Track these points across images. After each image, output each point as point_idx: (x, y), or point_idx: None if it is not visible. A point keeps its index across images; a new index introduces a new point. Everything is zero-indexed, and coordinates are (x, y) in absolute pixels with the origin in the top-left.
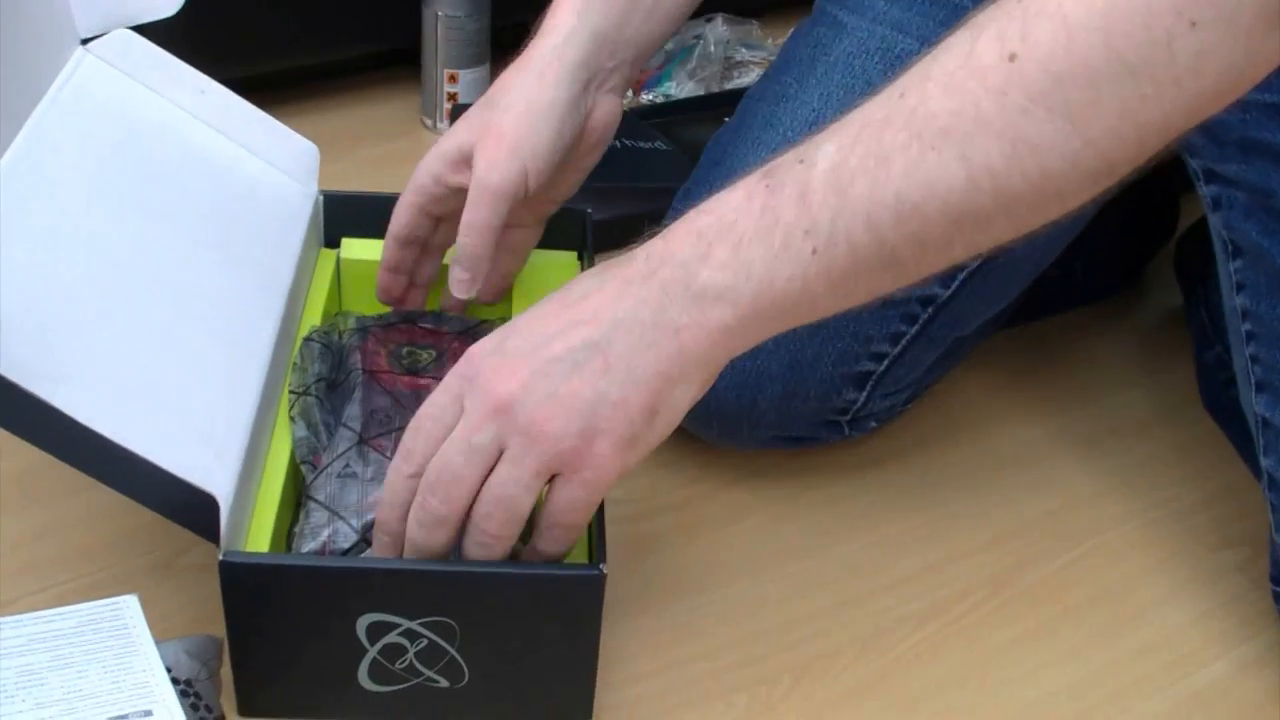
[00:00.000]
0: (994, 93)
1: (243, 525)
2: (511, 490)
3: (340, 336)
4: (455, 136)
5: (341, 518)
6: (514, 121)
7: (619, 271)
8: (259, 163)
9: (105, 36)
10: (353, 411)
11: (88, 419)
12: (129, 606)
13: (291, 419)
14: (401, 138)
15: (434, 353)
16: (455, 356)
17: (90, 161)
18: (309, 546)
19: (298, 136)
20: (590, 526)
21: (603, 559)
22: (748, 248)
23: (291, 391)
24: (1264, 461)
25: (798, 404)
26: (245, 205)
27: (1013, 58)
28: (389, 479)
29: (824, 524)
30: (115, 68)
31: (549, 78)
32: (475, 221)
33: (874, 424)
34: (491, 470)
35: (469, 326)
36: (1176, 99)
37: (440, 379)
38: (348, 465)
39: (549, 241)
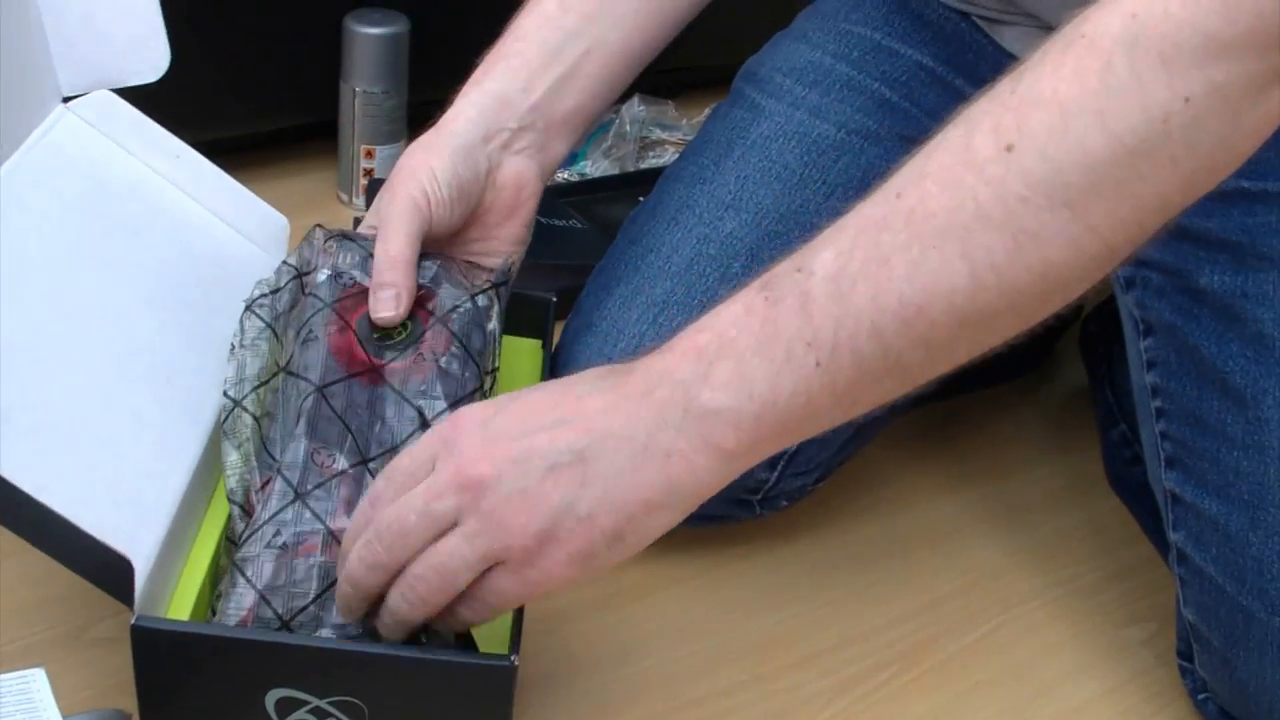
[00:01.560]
0: (993, 185)
1: (163, 593)
2: (453, 565)
3: (305, 275)
4: None
5: (266, 601)
6: (408, 161)
7: (616, 382)
8: (227, 229)
9: (87, 96)
10: (292, 456)
11: (8, 471)
12: (36, 680)
13: (223, 433)
14: (317, 212)
15: (408, 330)
16: (431, 343)
17: (55, 216)
18: (231, 619)
19: (267, 206)
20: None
21: (515, 650)
22: (749, 364)
23: (225, 394)
24: (1173, 536)
25: None
26: (208, 270)
27: (1010, 148)
28: (355, 514)
29: (737, 599)
30: (93, 127)
31: (444, 130)
32: (383, 251)
33: (785, 503)
34: (441, 534)
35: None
36: (1173, 177)
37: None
38: (278, 533)
39: (513, 328)
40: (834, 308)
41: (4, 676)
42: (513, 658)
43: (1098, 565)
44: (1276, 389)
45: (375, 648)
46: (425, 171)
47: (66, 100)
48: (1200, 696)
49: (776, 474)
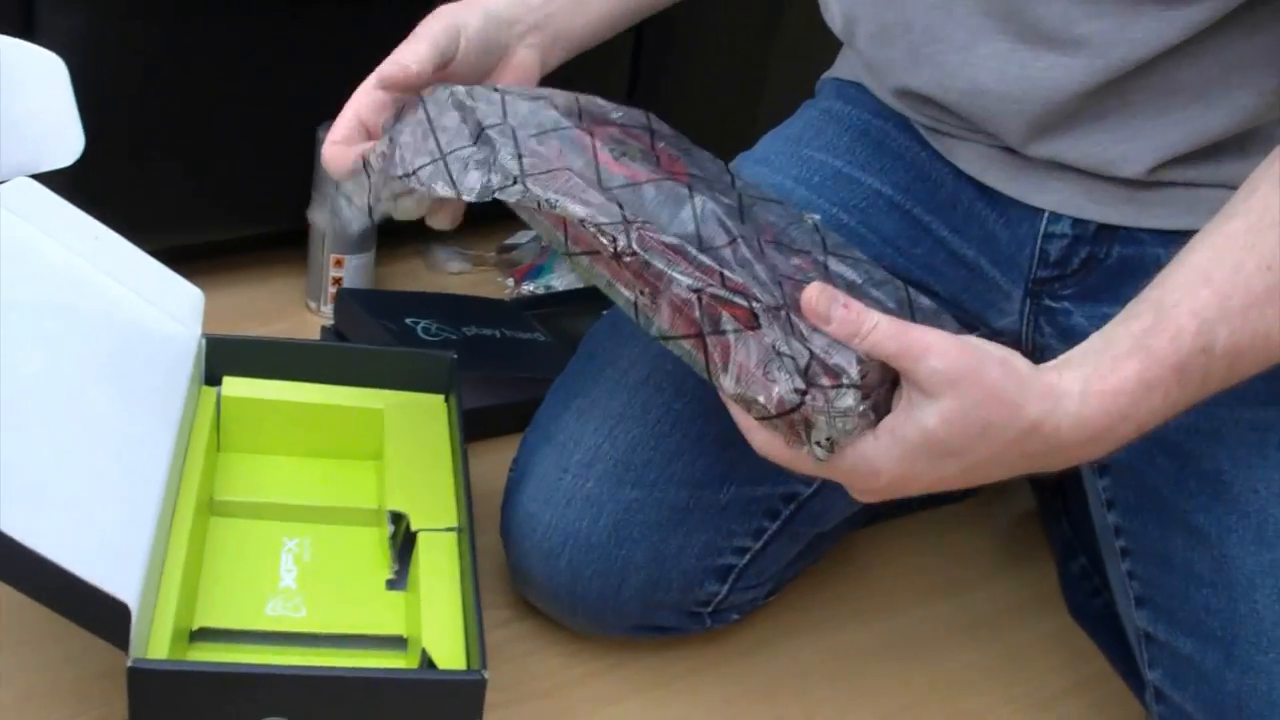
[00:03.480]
0: None
1: (145, 632)
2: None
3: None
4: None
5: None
6: (448, 6)
7: (1020, 445)
8: (147, 305)
9: (6, 183)
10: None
11: (7, 527)
12: None
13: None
14: (285, 319)
15: (640, 149)
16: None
17: None
18: None
19: (184, 282)
20: (468, 633)
21: (483, 665)
22: (1148, 429)
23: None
24: (1149, 675)
25: (660, 595)
26: (135, 345)
27: None
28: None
29: (687, 713)
30: (14, 212)
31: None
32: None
33: (735, 616)
34: None
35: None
36: None
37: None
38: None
39: (415, 384)
40: (1223, 376)
41: None
42: (484, 672)
43: (1055, 680)
44: (1238, 525)
45: (356, 671)
46: (464, 18)
47: None
48: None
49: (727, 587)
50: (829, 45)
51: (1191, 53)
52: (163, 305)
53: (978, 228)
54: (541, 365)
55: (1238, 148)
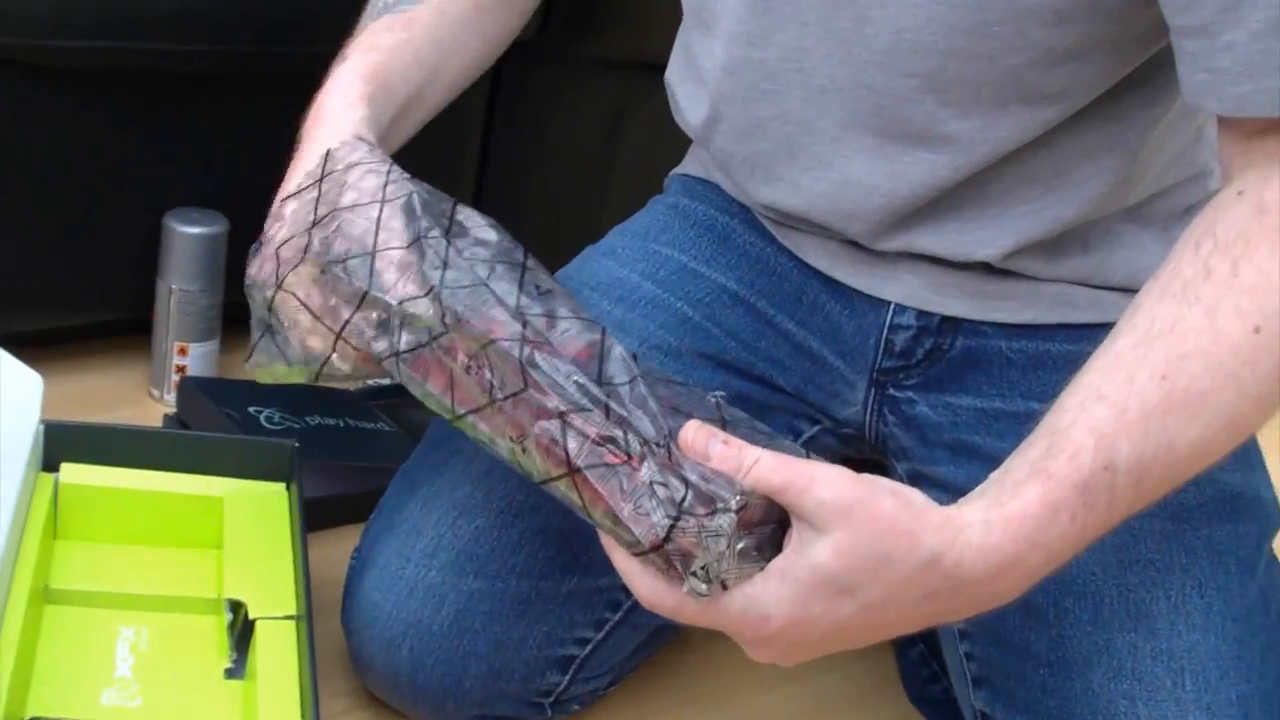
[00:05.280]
0: (1249, 365)
1: None
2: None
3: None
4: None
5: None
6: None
7: (921, 581)
8: None
9: None
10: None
11: None
12: None
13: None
14: (128, 407)
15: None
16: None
17: None
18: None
19: (22, 366)
20: (305, 719)
21: None
22: (1060, 562)
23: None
24: None
25: (502, 684)
26: None
27: (1257, 330)
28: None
29: None
30: None
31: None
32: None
33: (577, 707)
34: None
35: None
36: None
37: None
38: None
39: (256, 473)
40: (1130, 493)
41: None
42: None
43: None
44: (1076, 606)
45: None
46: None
47: None
48: None
49: (569, 677)
50: (678, 141)
51: (1048, 144)
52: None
53: (823, 320)
54: (385, 455)
55: (1081, 242)
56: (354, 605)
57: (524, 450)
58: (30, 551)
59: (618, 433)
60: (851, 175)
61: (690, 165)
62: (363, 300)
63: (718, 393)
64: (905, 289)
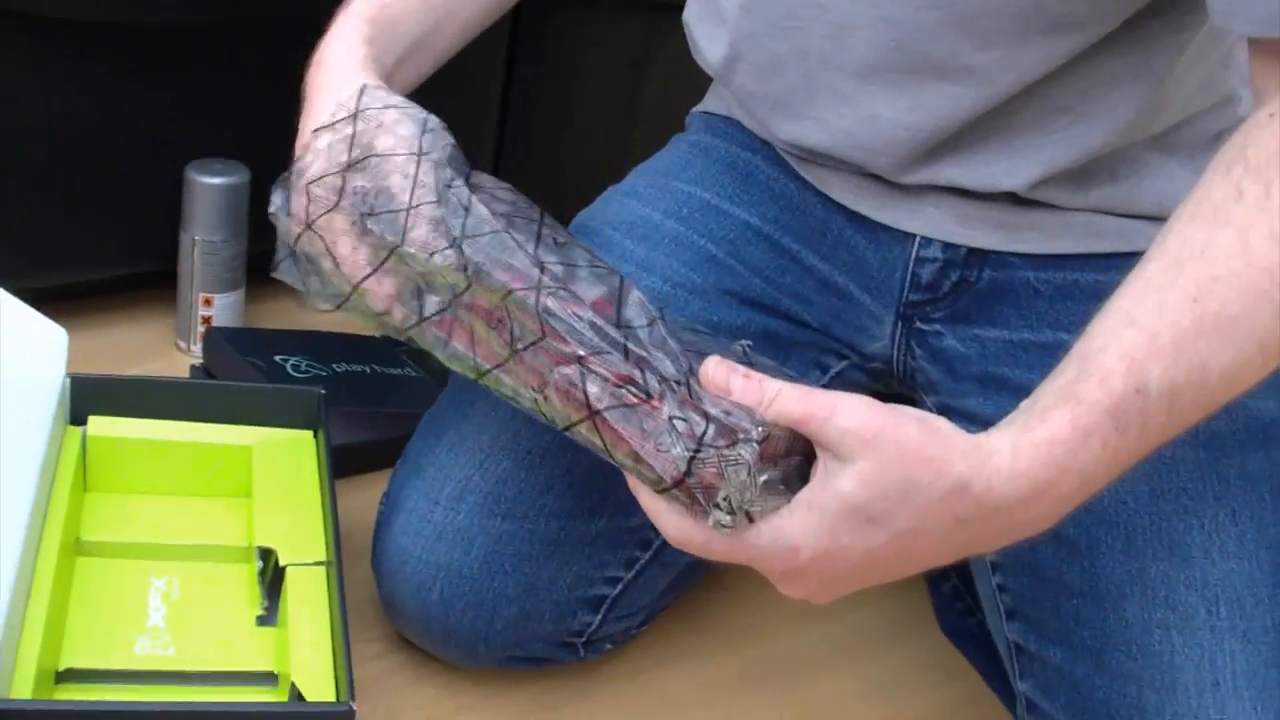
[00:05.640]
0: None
1: (8, 675)
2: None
3: None
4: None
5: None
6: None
7: (951, 508)
8: (8, 346)
9: None
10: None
11: None
12: None
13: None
14: (155, 359)
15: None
16: None
17: None
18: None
19: (46, 320)
20: (337, 666)
21: (351, 696)
22: (1094, 489)
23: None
24: (1020, 686)
25: (533, 626)
26: None
27: None
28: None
29: None
30: None
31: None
32: None
33: (609, 646)
34: None
35: None
36: None
37: None
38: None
39: (284, 421)
40: (1164, 420)
41: None
42: (352, 703)
43: (929, 697)
44: (1108, 536)
45: (223, 706)
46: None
47: None
48: None
49: (600, 617)
50: (700, 80)
51: (1074, 72)
52: (25, 345)
53: (848, 254)
54: (412, 400)
55: (1108, 172)
56: (383, 550)
57: (545, 399)
58: (60, 505)
59: (636, 373)
60: (874, 111)
61: (711, 103)
62: (390, 254)
63: (744, 341)
64: (930, 222)
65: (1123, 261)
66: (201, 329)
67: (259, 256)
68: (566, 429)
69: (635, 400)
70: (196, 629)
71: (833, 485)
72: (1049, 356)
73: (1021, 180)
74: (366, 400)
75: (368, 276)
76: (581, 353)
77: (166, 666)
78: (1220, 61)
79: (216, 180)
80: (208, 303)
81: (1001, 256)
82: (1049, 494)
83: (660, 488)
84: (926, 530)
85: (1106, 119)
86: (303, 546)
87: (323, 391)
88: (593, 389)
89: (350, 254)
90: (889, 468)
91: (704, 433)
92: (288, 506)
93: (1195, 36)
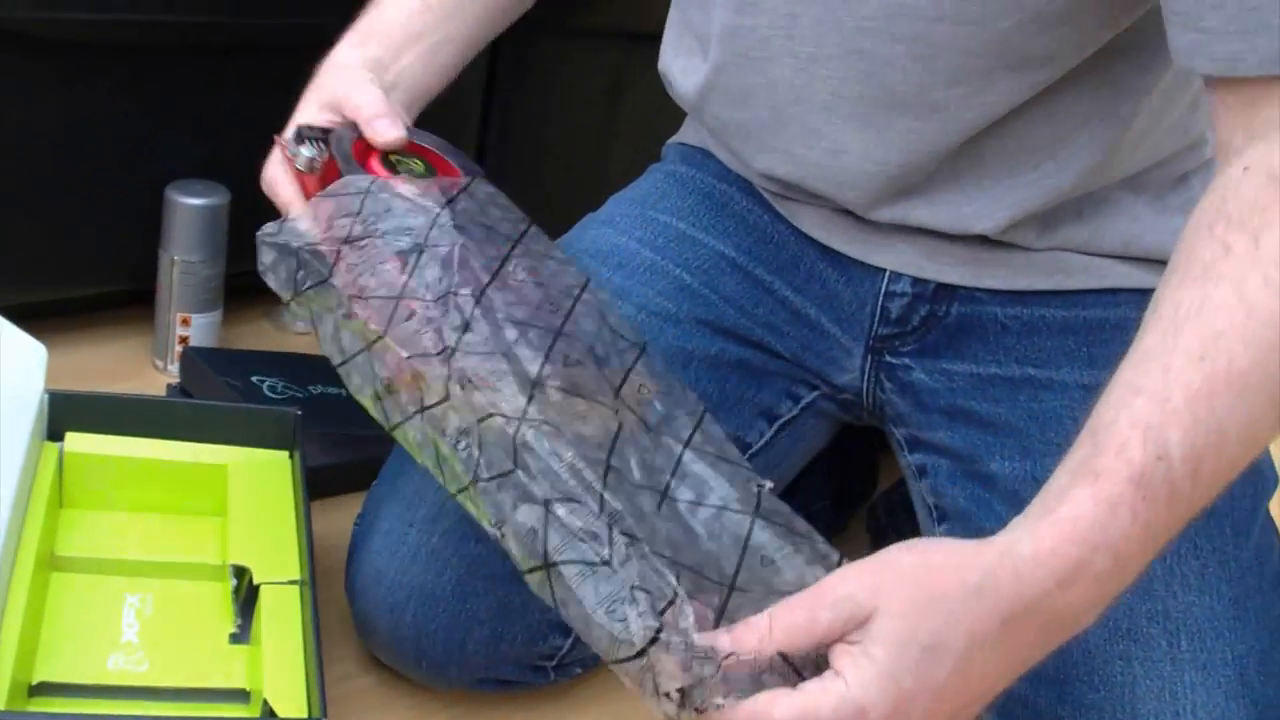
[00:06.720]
0: None
1: None
2: None
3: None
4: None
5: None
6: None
7: (988, 608)
8: None
9: None
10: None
11: None
12: None
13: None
14: (132, 378)
15: (423, 164)
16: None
17: None
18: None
19: (26, 336)
20: (309, 684)
21: (324, 713)
22: (1130, 574)
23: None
24: (982, 715)
25: (505, 648)
26: None
27: None
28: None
29: None
30: None
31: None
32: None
33: (579, 670)
34: None
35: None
36: None
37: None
38: None
39: (260, 441)
40: (1189, 487)
41: None
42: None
43: None
44: None
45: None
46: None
47: None
48: None
49: (571, 641)
50: (676, 110)
51: (1041, 112)
52: (4, 359)
53: (819, 287)
54: None
55: (1074, 212)
56: (357, 571)
57: (503, 536)
58: (36, 520)
59: (602, 529)
60: (842, 144)
61: (687, 134)
62: (374, 343)
63: (766, 482)
64: (900, 257)
65: (1089, 298)
66: (179, 348)
67: (237, 277)
68: (525, 574)
69: (597, 560)
70: (170, 645)
71: (868, 642)
72: (1015, 391)
73: (991, 224)
74: (342, 422)
75: (351, 358)
76: (551, 496)
77: (139, 682)
78: (1189, 105)
79: (196, 201)
80: (185, 322)
81: (970, 292)
82: (1084, 574)
83: (613, 659)
84: (978, 646)
85: (1075, 161)
86: (277, 565)
87: (298, 413)
88: (554, 539)
89: (333, 334)
90: (908, 592)
91: (670, 603)
92: (262, 525)
93: (1161, 79)
